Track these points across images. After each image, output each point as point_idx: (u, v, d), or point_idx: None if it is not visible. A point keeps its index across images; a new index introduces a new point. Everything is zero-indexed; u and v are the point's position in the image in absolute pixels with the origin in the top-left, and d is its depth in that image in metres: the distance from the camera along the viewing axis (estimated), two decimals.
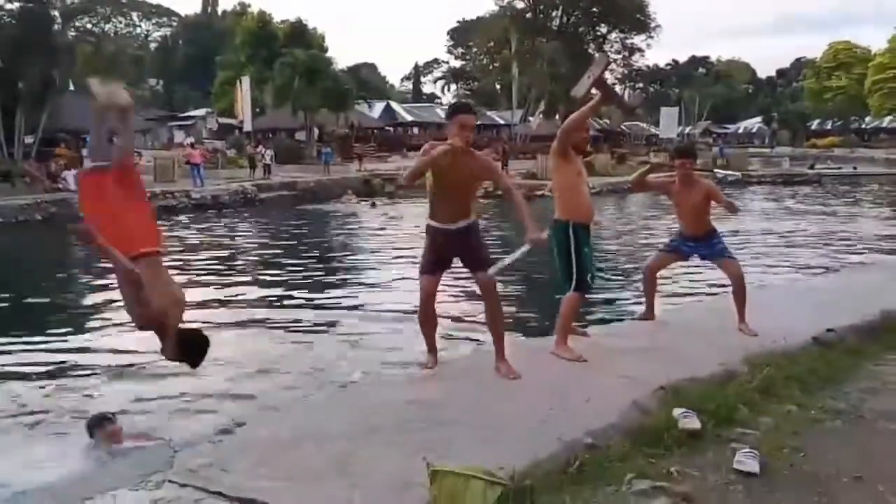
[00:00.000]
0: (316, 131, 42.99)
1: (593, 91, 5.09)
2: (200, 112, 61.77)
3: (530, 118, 51.54)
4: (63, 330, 8.56)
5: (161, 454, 3.58)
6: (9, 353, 7.41)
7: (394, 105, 61.63)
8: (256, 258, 14.80)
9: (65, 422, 5.10)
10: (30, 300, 10.28)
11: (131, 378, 6.42)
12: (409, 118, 60.51)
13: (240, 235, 18.48)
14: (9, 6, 26.10)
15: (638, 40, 59.88)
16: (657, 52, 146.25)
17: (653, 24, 57.91)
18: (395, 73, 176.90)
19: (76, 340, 8.11)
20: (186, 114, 63.53)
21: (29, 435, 4.88)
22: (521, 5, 56.10)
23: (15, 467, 4.17)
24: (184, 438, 4.27)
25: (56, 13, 26.96)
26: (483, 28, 60.68)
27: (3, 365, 6.90)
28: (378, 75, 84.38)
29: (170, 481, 3.22)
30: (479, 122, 47.05)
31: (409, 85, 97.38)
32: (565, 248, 5.15)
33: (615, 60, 59.85)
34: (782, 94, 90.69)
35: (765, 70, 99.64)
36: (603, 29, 59.52)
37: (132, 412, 5.11)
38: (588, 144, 5.67)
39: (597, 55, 45.47)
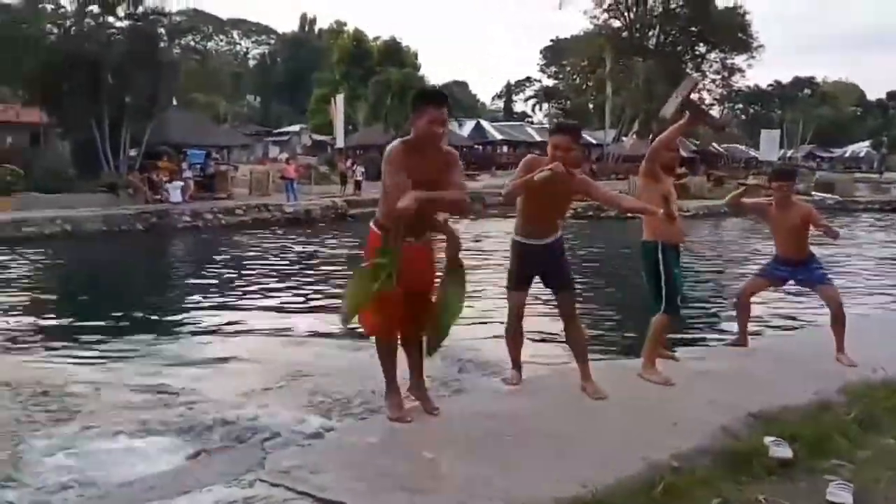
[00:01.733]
0: None
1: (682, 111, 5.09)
2: (295, 128, 63.47)
3: (623, 138, 50.94)
4: (160, 334, 8.91)
5: (253, 454, 3.72)
6: (110, 353, 7.79)
7: (484, 123, 61.84)
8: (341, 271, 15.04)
9: (162, 421, 5.29)
10: (130, 305, 10.71)
11: (226, 381, 6.68)
12: (500, 137, 60.56)
13: (328, 249, 18.80)
14: (119, 24, 27.40)
15: (739, 60, 58.37)
16: (759, 72, 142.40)
17: (755, 44, 56.44)
18: (486, 91, 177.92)
19: (172, 345, 8.44)
20: (281, 129, 65.40)
21: (129, 433, 5.08)
22: (617, 24, 55.64)
23: (118, 462, 4.37)
24: (275, 441, 4.41)
25: (163, 31, 28.09)
26: (577, 47, 60.33)
27: (106, 364, 7.27)
28: (469, 93, 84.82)
29: (261, 480, 3.35)
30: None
31: (499, 104, 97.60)
32: (654, 269, 5.11)
33: (714, 80, 58.61)
34: (895, 118, 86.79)
35: (875, 92, 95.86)
36: (702, 48, 58.26)
37: (228, 416, 5.28)
38: (678, 164, 5.63)
39: (693, 75, 44.46)
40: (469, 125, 58.61)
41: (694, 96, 5.51)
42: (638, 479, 3.42)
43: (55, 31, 26.74)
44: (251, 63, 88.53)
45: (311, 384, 6.38)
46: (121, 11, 26.97)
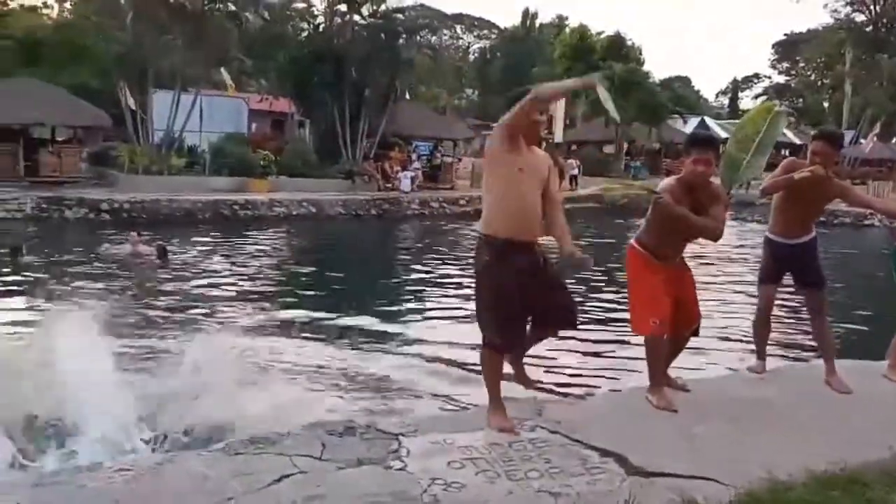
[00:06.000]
0: (625, 145, 43.09)
1: None
2: None
3: (862, 140, 47.28)
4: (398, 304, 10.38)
5: (531, 406, 4.30)
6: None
7: (709, 121, 59.41)
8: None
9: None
10: (371, 280, 12.28)
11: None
12: (725, 135, 57.91)
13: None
14: (362, 22, 29.27)
15: None
16: None
17: None
18: (709, 87, 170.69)
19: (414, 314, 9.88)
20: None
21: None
22: (860, 18, 51.58)
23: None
24: (546, 396, 4.98)
25: (401, 28, 29.67)
26: (815, 42, 56.60)
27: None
28: (692, 90, 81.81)
29: (541, 427, 3.97)
30: (799, 143, 44.21)
31: (723, 100, 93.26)
32: None
33: None
34: None
35: None
36: None
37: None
38: None
39: None
40: (693, 122, 56.79)
41: None
42: (885, 464, 3.66)
43: (306, 28, 29.06)
44: (471, 57, 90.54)
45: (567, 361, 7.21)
46: (365, 10, 28.92)
